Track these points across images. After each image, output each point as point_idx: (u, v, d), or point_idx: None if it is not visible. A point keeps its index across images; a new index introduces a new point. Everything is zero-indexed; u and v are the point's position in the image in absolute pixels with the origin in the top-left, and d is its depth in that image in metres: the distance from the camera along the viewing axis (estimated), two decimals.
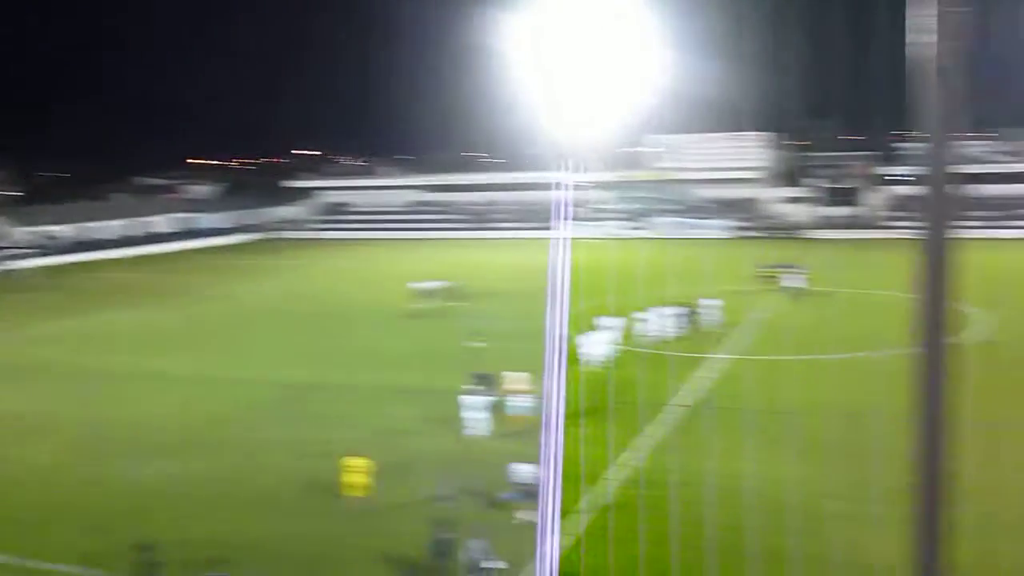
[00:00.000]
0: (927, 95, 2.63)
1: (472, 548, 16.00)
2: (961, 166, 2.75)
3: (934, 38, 2.61)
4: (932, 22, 2.58)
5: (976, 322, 36.88)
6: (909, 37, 2.62)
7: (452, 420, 25.89)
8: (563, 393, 25.13)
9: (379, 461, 21.12)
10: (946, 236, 2.68)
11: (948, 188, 2.67)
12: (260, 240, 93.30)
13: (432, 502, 19.67)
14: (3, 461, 24.81)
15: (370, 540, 18.53)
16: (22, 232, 78.48)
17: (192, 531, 19.37)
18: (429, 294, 47.00)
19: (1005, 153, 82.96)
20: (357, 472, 20.56)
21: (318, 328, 42.84)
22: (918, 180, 2.75)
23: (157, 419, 28.17)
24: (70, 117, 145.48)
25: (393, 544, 18.14)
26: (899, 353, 31.53)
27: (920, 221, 2.74)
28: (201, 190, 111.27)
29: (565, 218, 31.88)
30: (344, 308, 48.41)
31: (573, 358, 31.15)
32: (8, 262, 68.00)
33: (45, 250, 74.82)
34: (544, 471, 19.14)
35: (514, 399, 25.81)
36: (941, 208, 2.68)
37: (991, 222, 75.53)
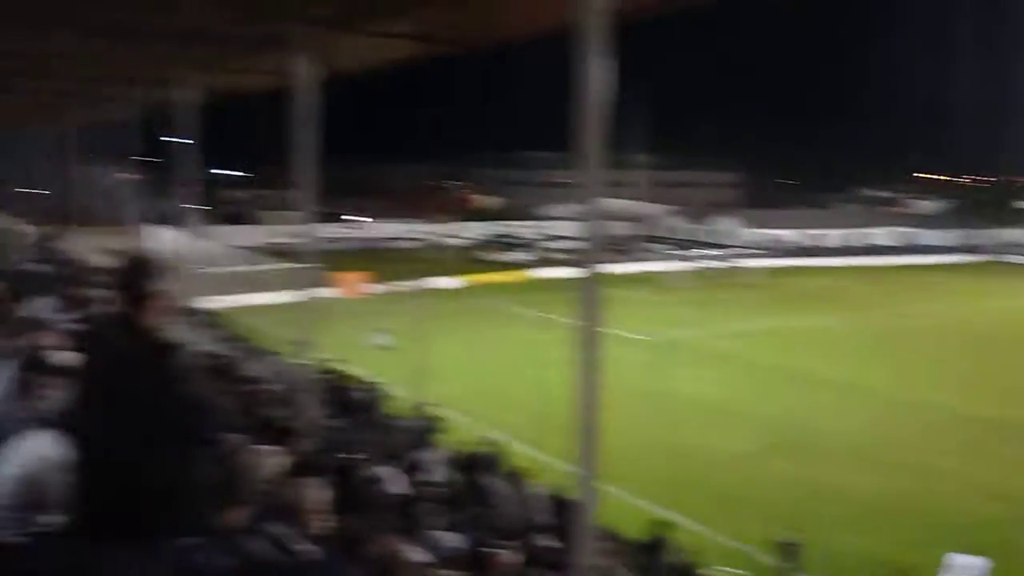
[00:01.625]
0: None
1: None
2: None
3: None
4: None
5: None
6: None
7: None
8: None
9: None
10: None
11: None
12: (983, 262, 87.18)
13: None
14: (703, 445, 27.11)
15: None
16: (750, 233, 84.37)
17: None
18: None
19: None
20: None
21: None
22: None
23: (826, 425, 28.59)
24: (833, 123, 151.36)
25: None
26: None
27: None
28: (926, 205, 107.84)
29: None
30: None
31: None
32: (735, 260, 73.61)
33: (768, 252, 79.32)
34: None
35: None
36: None
37: None
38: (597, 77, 5.82)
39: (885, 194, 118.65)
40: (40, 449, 4.75)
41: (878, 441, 27.29)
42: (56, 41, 11.79)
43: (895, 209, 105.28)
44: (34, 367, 5.76)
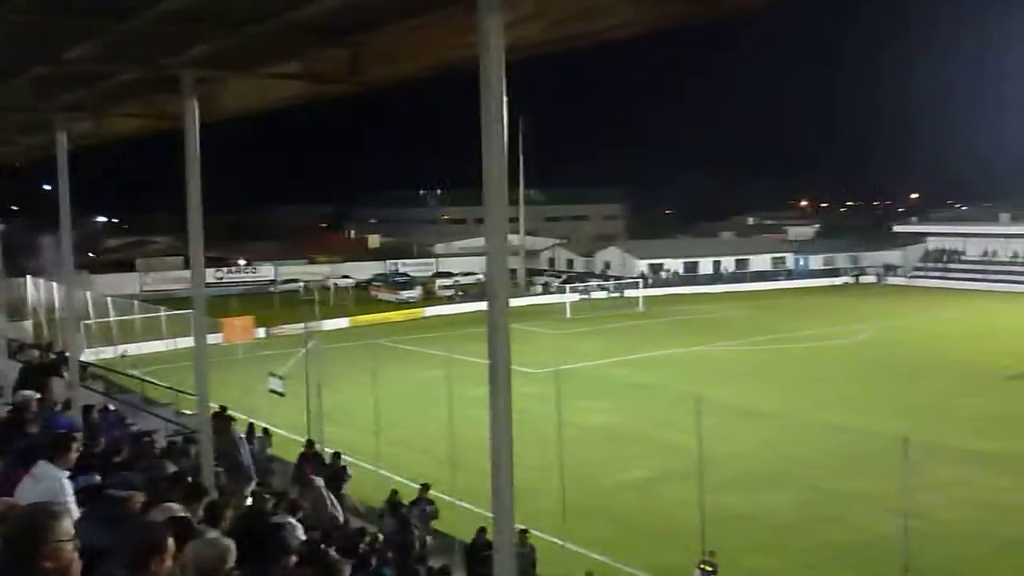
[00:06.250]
0: None
1: None
2: None
3: None
4: None
5: None
6: None
7: None
8: None
9: None
10: None
11: None
12: (855, 284, 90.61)
13: None
14: (605, 471, 27.43)
15: None
16: (635, 263, 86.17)
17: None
18: None
19: None
20: None
21: (910, 379, 40.48)
22: None
23: (723, 448, 29.21)
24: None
25: None
26: None
27: None
28: (802, 231, 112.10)
29: None
30: (940, 362, 45.04)
31: None
32: (622, 290, 75.09)
33: (655, 281, 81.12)
34: None
35: None
36: None
37: None
38: (499, 114, 5.82)
39: (766, 221, 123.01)
40: None
41: (775, 462, 27.95)
42: None
43: (774, 236, 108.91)
44: None
